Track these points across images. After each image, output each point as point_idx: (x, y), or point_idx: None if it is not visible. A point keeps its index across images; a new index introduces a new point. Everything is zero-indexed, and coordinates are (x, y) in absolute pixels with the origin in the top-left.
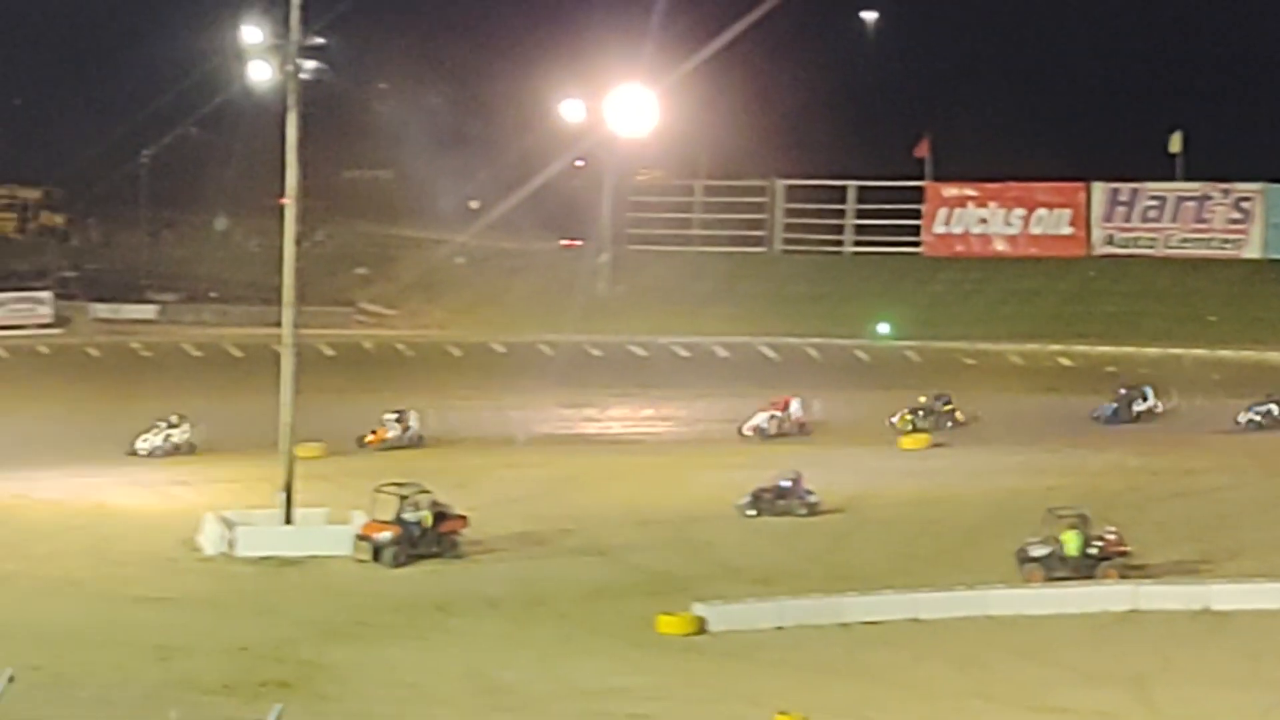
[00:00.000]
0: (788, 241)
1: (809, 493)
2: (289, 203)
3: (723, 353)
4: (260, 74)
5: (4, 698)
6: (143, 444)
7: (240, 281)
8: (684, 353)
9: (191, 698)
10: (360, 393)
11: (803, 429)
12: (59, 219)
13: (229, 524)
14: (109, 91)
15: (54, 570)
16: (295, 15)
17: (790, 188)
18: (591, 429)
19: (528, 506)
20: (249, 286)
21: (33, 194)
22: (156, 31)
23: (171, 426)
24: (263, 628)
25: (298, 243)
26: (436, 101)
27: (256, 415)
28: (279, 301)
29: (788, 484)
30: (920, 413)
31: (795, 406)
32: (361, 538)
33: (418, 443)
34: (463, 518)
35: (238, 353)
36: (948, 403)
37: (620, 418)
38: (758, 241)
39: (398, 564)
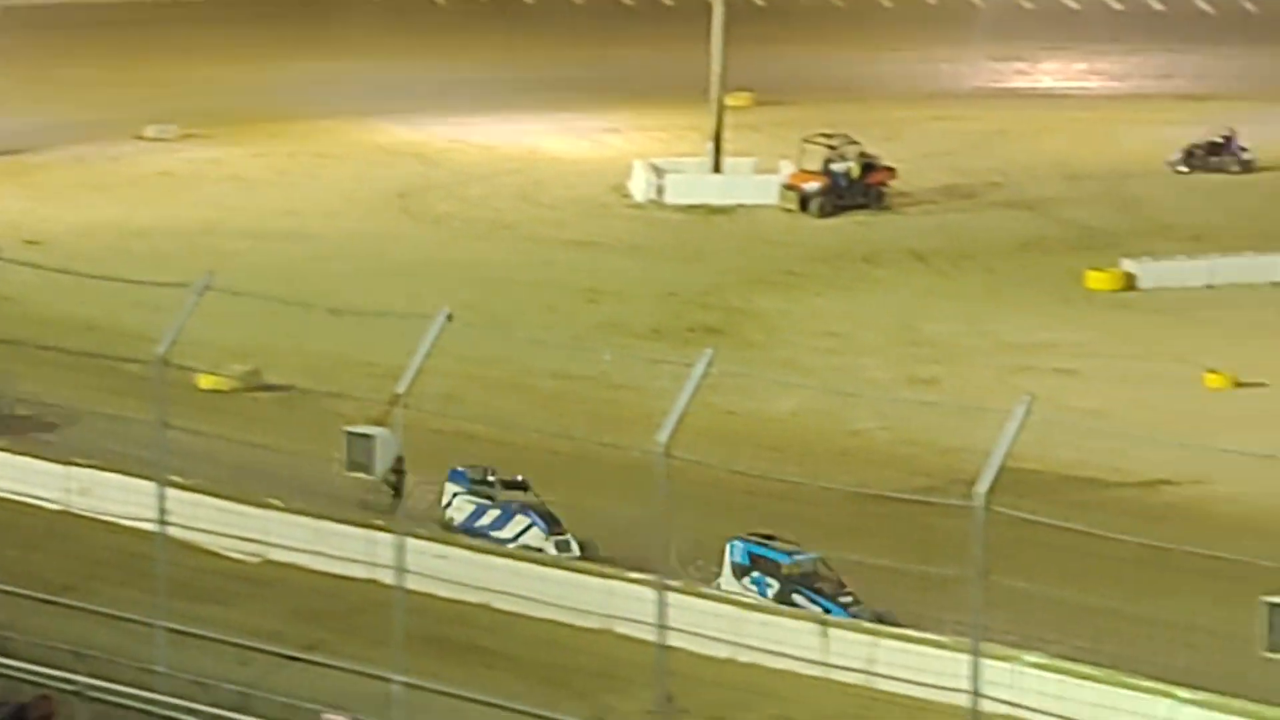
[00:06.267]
0: None
1: (1244, 149)
2: None
3: (1158, 5)
4: None
5: (442, 334)
6: None
7: None
8: (1117, 5)
9: (621, 340)
10: (784, 44)
11: None
12: None
13: (659, 171)
14: None
15: (487, 213)
16: None
17: None
18: (1021, 83)
19: (956, 160)
20: None
21: None
22: None
23: None
24: (691, 274)
25: None
26: None
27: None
28: None
29: (1222, 140)
30: None
31: None
32: (788, 187)
33: None
34: (891, 169)
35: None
36: None
37: (1051, 71)
38: None
39: (824, 214)
